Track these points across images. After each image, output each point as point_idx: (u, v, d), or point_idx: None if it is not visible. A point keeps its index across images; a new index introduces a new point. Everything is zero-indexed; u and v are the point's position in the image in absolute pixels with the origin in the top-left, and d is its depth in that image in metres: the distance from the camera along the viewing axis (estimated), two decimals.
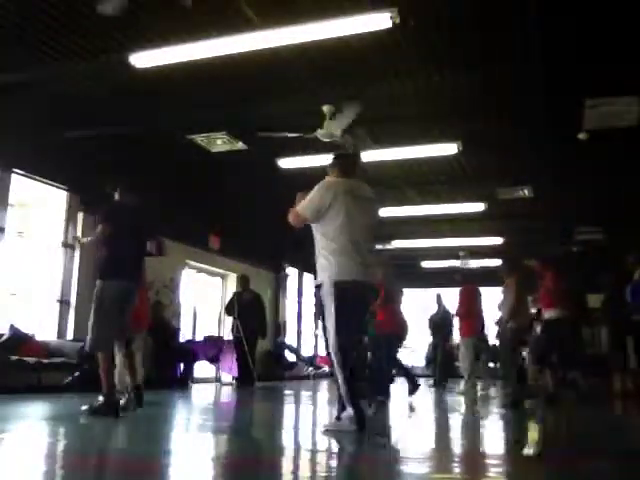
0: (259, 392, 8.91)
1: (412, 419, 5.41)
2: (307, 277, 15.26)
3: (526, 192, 10.13)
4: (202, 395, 8.23)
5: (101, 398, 4.52)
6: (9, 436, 3.72)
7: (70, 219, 8.27)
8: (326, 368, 12.70)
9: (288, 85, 6.68)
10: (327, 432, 3.82)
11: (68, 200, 8.28)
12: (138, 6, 5.27)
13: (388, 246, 13.28)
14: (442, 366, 10.87)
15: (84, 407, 4.54)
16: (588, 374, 7.18)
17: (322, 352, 13.92)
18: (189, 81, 6.54)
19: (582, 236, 12.46)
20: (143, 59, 5.75)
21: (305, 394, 8.94)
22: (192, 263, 10.88)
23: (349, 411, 3.73)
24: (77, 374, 7.02)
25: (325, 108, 6.92)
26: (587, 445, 3.81)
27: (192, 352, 9.70)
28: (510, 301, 6.68)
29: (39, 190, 8.02)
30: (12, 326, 7.12)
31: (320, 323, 3.96)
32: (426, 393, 8.63)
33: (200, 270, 11.43)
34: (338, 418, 3.86)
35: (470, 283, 8.34)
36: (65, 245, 8.20)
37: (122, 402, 4.64)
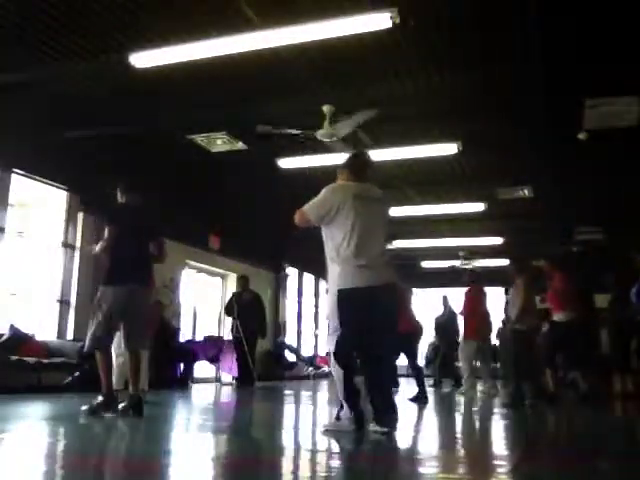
0: (259, 392, 8.91)
1: (411, 418, 5.41)
2: (307, 277, 15.27)
3: (526, 192, 10.14)
4: (202, 395, 8.23)
5: (100, 398, 4.52)
6: (9, 436, 3.72)
7: (70, 219, 8.27)
8: (326, 368, 12.71)
9: (288, 85, 6.68)
10: (326, 432, 3.79)
11: (68, 200, 8.29)
12: (138, 6, 5.27)
13: (389, 246, 13.27)
14: (441, 367, 10.89)
15: (84, 407, 4.52)
16: (589, 374, 7.15)
17: (322, 352, 13.93)
18: (189, 81, 6.54)
19: (582, 236, 12.47)
20: (143, 59, 5.74)
21: (305, 394, 8.94)
22: (192, 263, 10.88)
23: (346, 410, 3.70)
24: (77, 374, 7.03)
25: (325, 108, 6.92)
26: (587, 445, 3.81)
27: (192, 352, 9.70)
28: (519, 302, 6.67)
29: (39, 190, 8.02)
30: (12, 326, 7.13)
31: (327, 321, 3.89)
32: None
33: (200, 270, 11.43)
34: (337, 418, 3.84)
35: (475, 284, 8.35)
36: (65, 245, 8.20)
37: (121, 406, 4.61)
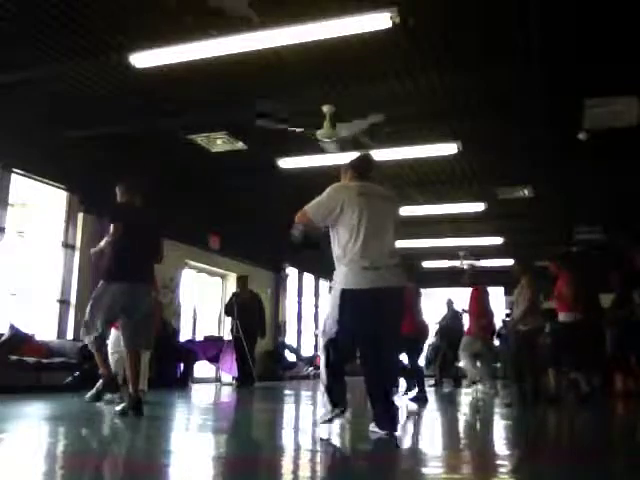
0: (259, 392, 8.91)
1: (411, 418, 5.41)
2: (307, 277, 15.27)
3: (526, 192, 10.13)
4: (202, 395, 8.23)
5: (100, 381, 4.78)
6: (9, 436, 3.72)
7: (70, 219, 8.27)
8: None
9: (288, 85, 6.68)
10: (321, 424, 3.83)
11: (68, 200, 8.29)
12: (138, 6, 5.26)
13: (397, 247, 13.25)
14: (442, 367, 10.90)
15: (87, 395, 4.85)
16: (592, 376, 7.14)
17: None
18: (189, 81, 6.54)
19: (582, 236, 12.46)
20: (143, 59, 5.74)
21: (305, 394, 8.94)
22: (192, 263, 10.89)
23: (326, 403, 3.78)
24: (77, 374, 7.03)
25: (325, 108, 6.93)
26: (586, 446, 3.81)
27: (192, 352, 9.70)
28: (523, 302, 6.67)
29: (39, 190, 8.02)
30: (12, 326, 7.13)
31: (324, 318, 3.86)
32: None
33: (200, 270, 11.44)
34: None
35: (476, 284, 8.38)
36: (65, 245, 8.20)
37: (120, 407, 4.61)
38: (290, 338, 14.02)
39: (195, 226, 10.49)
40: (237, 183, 10.05)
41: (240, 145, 8.36)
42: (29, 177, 7.71)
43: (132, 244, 4.67)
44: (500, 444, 3.98)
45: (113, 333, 5.43)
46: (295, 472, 2.80)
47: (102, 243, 4.81)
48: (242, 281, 10.30)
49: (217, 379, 10.70)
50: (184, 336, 10.35)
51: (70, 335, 7.91)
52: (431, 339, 12.53)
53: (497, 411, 6.28)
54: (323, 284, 15.62)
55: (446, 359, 11.16)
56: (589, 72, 6.14)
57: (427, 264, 15.86)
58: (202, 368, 10.51)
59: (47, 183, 7.99)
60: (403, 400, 6.55)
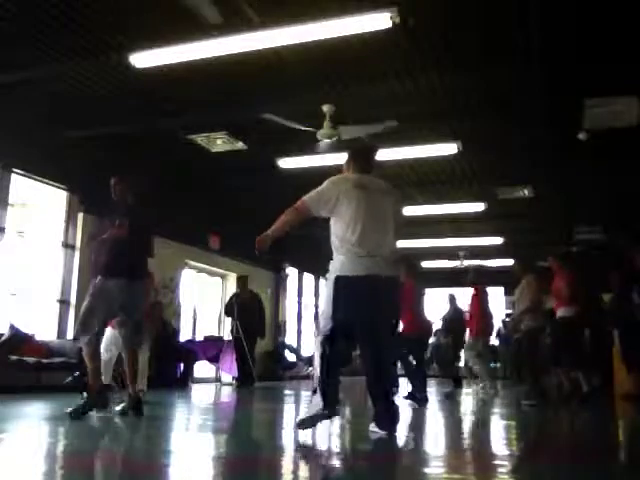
0: (259, 392, 8.91)
1: (411, 419, 5.41)
2: (307, 277, 15.27)
3: (526, 192, 10.13)
4: (202, 395, 8.23)
5: (85, 395, 4.57)
6: (9, 436, 3.72)
7: (70, 219, 8.28)
8: None
9: (288, 85, 6.68)
10: (302, 424, 3.63)
11: (68, 200, 8.29)
12: (138, 6, 5.26)
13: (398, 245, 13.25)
14: (441, 364, 10.92)
15: (68, 409, 4.35)
16: (592, 375, 7.12)
17: None
18: (189, 81, 6.54)
19: (582, 236, 12.46)
20: (143, 59, 5.75)
21: (305, 394, 8.94)
22: (192, 263, 10.89)
23: (317, 397, 3.55)
24: (77, 374, 7.02)
25: (325, 108, 6.93)
26: (587, 445, 3.81)
27: (192, 352, 9.70)
28: (526, 301, 6.67)
29: (39, 190, 8.03)
30: (12, 326, 7.13)
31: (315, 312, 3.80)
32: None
33: (200, 270, 11.43)
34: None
35: (476, 284, 8.40)
36: (65, 245, 8.20)
37: (120, 407, 4.61)
38: (290, 338, 14.02)
39: (195, 226, 10.50)
40: (237, 183, 10.05)
41: (240, 145, 8.37)
42: (29, 177, 7.71)
43: (126, 241, 4.66)
44: (500, 444, 3.98)
45: (107, 332, 5.39)
46: (295, 472, 2.80)
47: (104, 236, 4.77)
48: (242, 281, 10.30)
49: (217, 379, 10.70)
50: (184, 336, 10.35)
51: (70, 335, 7.90)
52: (431, 339, 12.55)
53: (497, 411, 6.29)
54: (323, 284, 15.61)
55: (447, 357, 11.16)
56: (589, 72, 6.14)
57: (427, 264, 15.87)
58: (202, 368, 10.51)
59: (47, 183, 7.99)
60: (404, 400, 6.54)
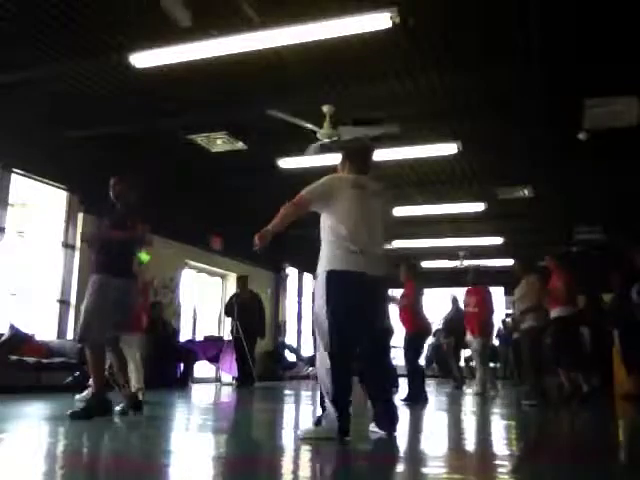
0: (259, 392, 8.91)
1: (411, 419, 5.41)
2: (307, 277, 15.27)
3: (526, 192, 10.13)
4: (202, 395, 8.23)
5: (88, 395, 4.48)
6: (9, 436, 3.72)
7: (70, 219, 8.28)
8: None
9: (288, 85, 6.68)
10: (304, 440, 3.47)
11: (68, 200, 8.29)
12: (138, 6, 5.26)
13: (388, 246, 13.26)
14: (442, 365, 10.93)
15: (69, 411, 4.33)
16: (592, 376, 7.12)
17: None
18: (189, 81, 6.54)
19: (582, 236, 12.46)
20: (143, 59, 5.74)
21: (305, 394, 8.94)
22: (192, 263, 10.89)
23: (331, 412, 3.43)
24: (77, 374, 7.03)
25: (325, 108, 6.93)
26: (587, 445, 3.81)
27: (192, 352, 9.70)
28: (528, 301, 6.67)
29: (39, 190, 8.03)
30: (12, 326, 7.13)
31: (312, 324, 3.76)
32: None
33: (200, 270, 11.44)
34: (318, 423, 3.60)
35: (478, 284, 8.41)
36: (65, 245, 8.20)
37: (120, 407, 4.60)
38: (290, 338, 14.02)
39: (195, 226, 10.50)
40: (237, 183, 10.05)
41: (240, 145, 8.36)
42: (29, 177, 7.71)
43: (121, 241, 4.63)
44: (500, 444, 3.98)
45: None
46: (295, 472, 2.80)
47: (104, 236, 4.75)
48: (242, 281, 10.30)
49: (217, 379, 10.70)
50: (184, 336, 10.35)
51: (70, 335, 7.90)
52: (431, 339, 12.55)
53: (497, 411, 6.29)
54: (312, 285, 15.61)
55: (447, 357, 11.15)
56: (589, 72, 6.14)
57: (427, 264, 15.86)
58: (202, 368, 10.51)
59: (47, 183, 7.99)
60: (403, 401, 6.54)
